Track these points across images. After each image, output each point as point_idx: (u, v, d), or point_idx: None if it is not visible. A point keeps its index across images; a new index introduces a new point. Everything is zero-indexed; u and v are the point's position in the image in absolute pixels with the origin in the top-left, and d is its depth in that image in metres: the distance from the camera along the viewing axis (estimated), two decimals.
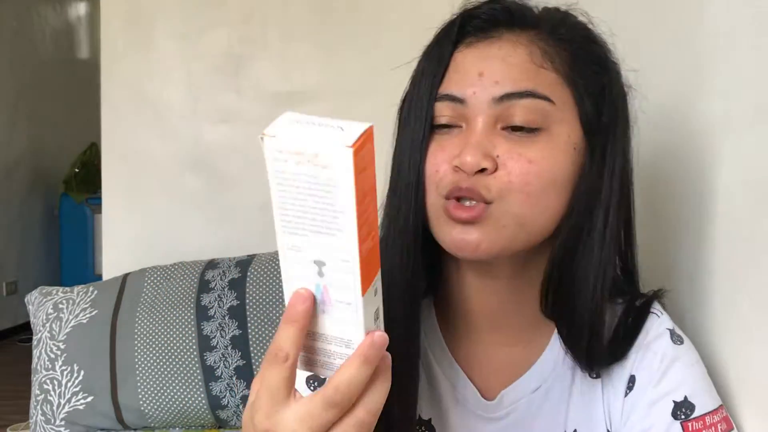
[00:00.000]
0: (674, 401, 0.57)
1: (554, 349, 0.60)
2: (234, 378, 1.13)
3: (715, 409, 0.57)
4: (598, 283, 0.56)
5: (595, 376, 0.60)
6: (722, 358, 0.64)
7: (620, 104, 0.58)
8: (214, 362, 1.14)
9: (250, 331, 1.15)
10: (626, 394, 0.59)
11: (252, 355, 1.14)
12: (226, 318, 1.15)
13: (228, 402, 1.13)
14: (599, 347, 0.58)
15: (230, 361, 1.13)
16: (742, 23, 0.63)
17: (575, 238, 0.56)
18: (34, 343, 1.19)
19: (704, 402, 0.57)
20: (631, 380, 0.59)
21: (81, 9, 4.47)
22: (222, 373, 1.14)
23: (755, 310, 0.60)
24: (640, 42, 0.84)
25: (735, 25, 0.65)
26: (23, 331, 3.82)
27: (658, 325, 0.60)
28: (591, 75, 0.56)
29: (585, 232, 0.56)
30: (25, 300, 1.23)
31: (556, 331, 0.59)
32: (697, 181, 0.70)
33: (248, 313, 1.15)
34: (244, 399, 1.13)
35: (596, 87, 0.56)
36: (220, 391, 1.13)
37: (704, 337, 0.67)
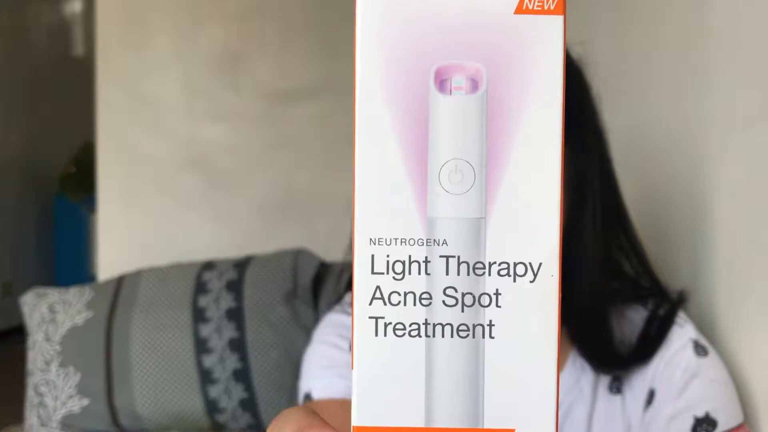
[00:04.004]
0: (695, 417, 0.55)
1: (574, 368, 0.58)
2: (231, 381, 1.12)
3: (737, 426, 0.55)
4: (596, 268, 0.55)
5: (616, 390, 0.58)
6: (730, 363, 0.63)
7: (581, 87, 0.57)
8: (212, 365, 1.13)
9: (248, 333, 1.14)
10: (645, 408, 0.57)
11: (250, 357, 1.13)
12: (224, 320, 1.14)
13: (225, 405, 1.12)
14: (610, 346, 0.56)
15: (228, 364, 1.12)
16: (745, 21, 0.62)
17: (567, 231, 0.55)
18: (29, 345, 1.18)
19: (727, 418, 0.55)
20: (651, 394, 0.57)
21: (76, 6, 4.45)
22: (219, 375, 1.13)
23: (763, 312, 0.59)
24: (642, 42, 0.83)
25: (738, 24, 0.63)
26: (17, 333, 3.80)
27: (680, 336, 0.58)
28: None
29: (574, 220, 0.55)
30: (20, 301, 1.22)
31: (574, 349, 0.58)
32: (700, 180, 0.69)
33: (246, 315, 1.14)
34: (242, 402, 1.13)
35: None
36: (218, 395, 1.12)
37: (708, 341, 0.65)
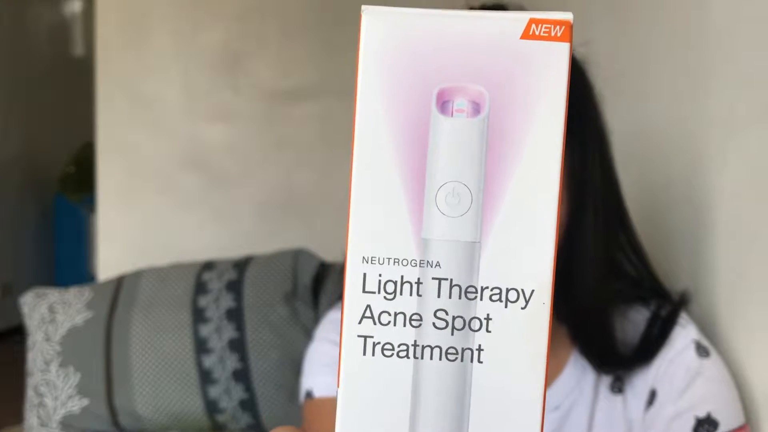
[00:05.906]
0: (696, 417, 0.55)
1: (575, 367, 0.58)
2: (231, 381, 1.12)
3: (739, 427, 0.55)
4: (597, 269, 0.55)
5: (617, 390, 0.58)
6: (733, 364, 0.63)
7: (584, 87, 0.57)
8: (211, 365, 1.13)
9: (248, 333, 1.14)
10: (647, 409, 0.57)
11: (250, 358, 1.13)
12: (224, 320, 1.14)
13: (225, 405, 1.12)
14: (612, 346, 0.56)
15: (228, 364, 1.12)
16: (745, 21, 0.62)
17: (568, 231, 0.55)
18: (29, 345, 1.18)
19: (729, 419, 0.55)
20: (653, 394, 0.57)
21: (76, 6, 4.45)
22: (219, 376, 1.12)
23: (763, 312, 0.59)
24: (642, 42, 0.83)
25: (738, 24, 0.63)
26: (17, 333, 3.80)
27: (683, 337, 0.58)
28: None
29: (575, 221, 0.55)
30: (20, 302, 1.22)
31: (576, 349, 0.58)
32: (701, 180, 0.69)
33: (246, 315, 1.14)
34: (242, 403, 1.13)
35: None
36: (218, 395, 1.11)
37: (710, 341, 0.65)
